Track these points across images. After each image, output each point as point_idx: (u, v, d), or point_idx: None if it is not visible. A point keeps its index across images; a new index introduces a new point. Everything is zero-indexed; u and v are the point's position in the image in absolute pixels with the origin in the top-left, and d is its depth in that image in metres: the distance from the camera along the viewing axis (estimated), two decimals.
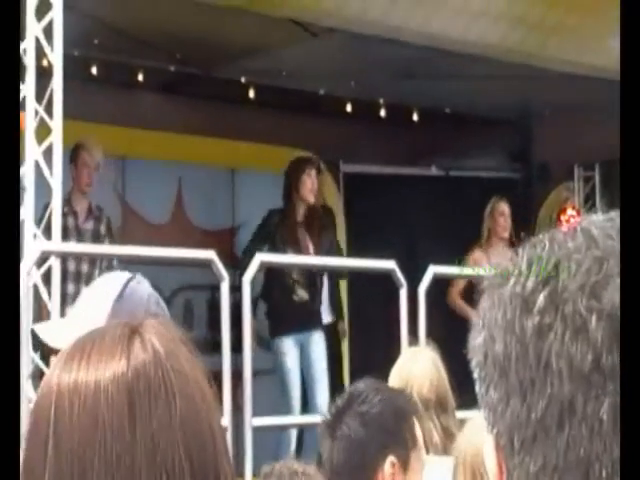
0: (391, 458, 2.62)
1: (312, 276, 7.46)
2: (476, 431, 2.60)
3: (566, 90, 8.63)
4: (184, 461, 1.11)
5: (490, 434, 0.89)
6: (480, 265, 8.07)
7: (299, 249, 7.36)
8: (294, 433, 7.08)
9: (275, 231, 7.44)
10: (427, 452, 3.34)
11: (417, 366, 3.56)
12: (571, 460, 0.83)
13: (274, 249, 7.28)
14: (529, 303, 0.86)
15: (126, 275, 2.48)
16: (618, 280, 0.84)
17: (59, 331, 2.32)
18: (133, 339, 1.17)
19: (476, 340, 0.90)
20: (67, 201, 6.95)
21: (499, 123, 10.27)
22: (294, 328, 7.26)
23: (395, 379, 3.47)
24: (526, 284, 0.87)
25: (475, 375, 0.91)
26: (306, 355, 7.30)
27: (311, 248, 7.44)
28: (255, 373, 5.58)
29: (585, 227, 0.89)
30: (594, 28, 7.53)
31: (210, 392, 1.19)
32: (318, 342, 7.33)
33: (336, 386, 6.92)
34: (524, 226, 8.84)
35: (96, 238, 7.17)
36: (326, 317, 7.89)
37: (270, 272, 7.29)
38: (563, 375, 0.83)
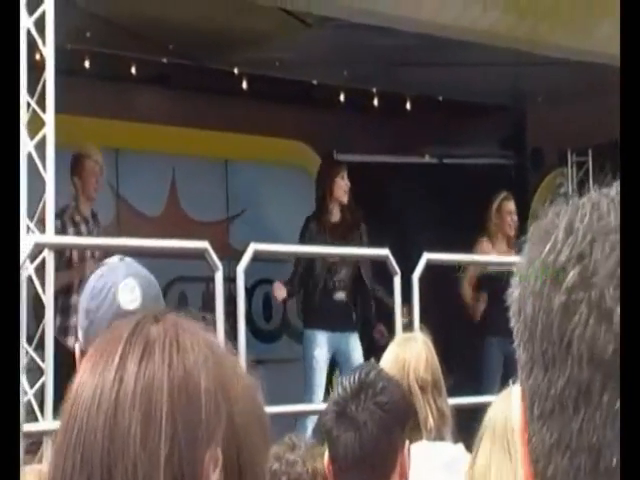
0: (407, 442, 2.65)
1: (353, 278, 7.67)
2: (508, 401, 2.61)
3: (558, 75, 8.63)
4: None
5: (520, 387, 0.89)
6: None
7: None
8: (310, 421, 7.12)
9: (315, 236, 7.63)
10: (422, 437, 3.36)
11: (412, 349, 3.56)
12: (583, 443, 0.83)
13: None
14: (559, 277, 0.84)
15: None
16: None
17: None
18: (146, 350, 1.19)
19: (514, 292, 0.89)
20: (76, 209, 7.03)
21: (492, 110, 10.27)
22: (330, 326, 7.48)
23: (389, 363, 3.47)
24: (559, 257, 0.85)
25: (512, 323, 0.90)
26: (344, 354, 7.49)
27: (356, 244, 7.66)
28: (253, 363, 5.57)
29: None
30: (586, 13, 7.53)
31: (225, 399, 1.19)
32: (353, 343, 7.53)
33: None
34: (518, 213, 8.86)
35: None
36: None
37: (310, 269, 7.57)
38: (583, 359, 0.82)
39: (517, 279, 0.89)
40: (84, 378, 1.18)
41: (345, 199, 7.77)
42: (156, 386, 1.16)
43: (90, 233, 7.13)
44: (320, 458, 2.88)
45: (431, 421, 3.45)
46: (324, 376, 7.42)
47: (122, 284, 2.44)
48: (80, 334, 2.46)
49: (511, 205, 8.29)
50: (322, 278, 7.58)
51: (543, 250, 0.86)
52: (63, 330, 6.48)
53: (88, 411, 1.15)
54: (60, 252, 6.52)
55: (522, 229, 0.92)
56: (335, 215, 7.79)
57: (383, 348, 3.75)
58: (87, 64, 8.47)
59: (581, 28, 7.67)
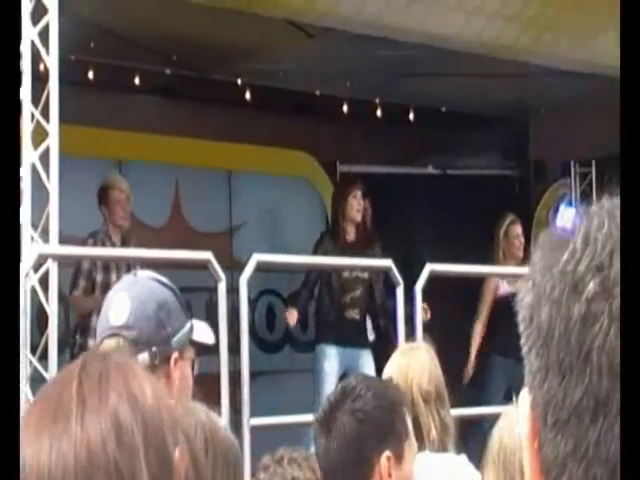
0: (387, 453, 2.63)
1: (365, 296, 7.72)
2: (509, 427, 2.59)
3: (562, 87, 8.64)
4: None
5: (529, 394, 0.88)
6: (499, 290, 8.09)
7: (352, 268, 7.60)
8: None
9: (331, 254, 7.68)
10: (424, 448, 3.35)
11: (416, 360, 3.55)
12: (600, 454, 0.82)
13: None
14: (579, 286, 0.83)
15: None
16: None
17: None
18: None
19: (525, 298, 0.88)
20: (106, 235, 7.26)
21: (495, 121, 10.27)
22: (341, 342, 7.55)
23: (392, 373, 3.46)
24: (578, 266, 0.84)
25: (520, 329, 0.89)
26: (356, 370, 7.46)
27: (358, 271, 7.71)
28: (257, 374, 5.58)
29: None
30: (589, 25, 7.54)
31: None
32: (366, 359, 7.58)
33: None
34: (522, 224, 8.86)
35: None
36: (370, 335, 8.03)
37: (324, 285, 7.65)
38: (603, 370, 0.81)
39: (530, 285, 0.88)
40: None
41: (359, 218, 7.83)
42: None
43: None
44: (307, 469, 2.89)
45: (434, 432, 3.44)
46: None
47: (115, 298, 2.45)
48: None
49: (518, 229, 8.32)
50: (336, 295, 7.62)
51: (560, 258, 0.85)
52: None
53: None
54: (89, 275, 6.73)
55: (526, 241, 0.92)
56: (350, 234, 7.85)
57: None
58: (91, 75, 8.48)
59: (584, 40, 7.68)
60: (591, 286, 0.82)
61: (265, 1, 6.87)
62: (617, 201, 0.88)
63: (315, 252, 7.79)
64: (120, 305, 2.42)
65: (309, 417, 6.71)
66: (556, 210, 10.04)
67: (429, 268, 5.96)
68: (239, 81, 9.10)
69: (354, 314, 7.68)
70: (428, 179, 10.16)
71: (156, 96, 9.15)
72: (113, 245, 7.29)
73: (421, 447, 3.30)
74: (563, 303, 0.84)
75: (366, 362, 7.55)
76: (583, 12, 7.44)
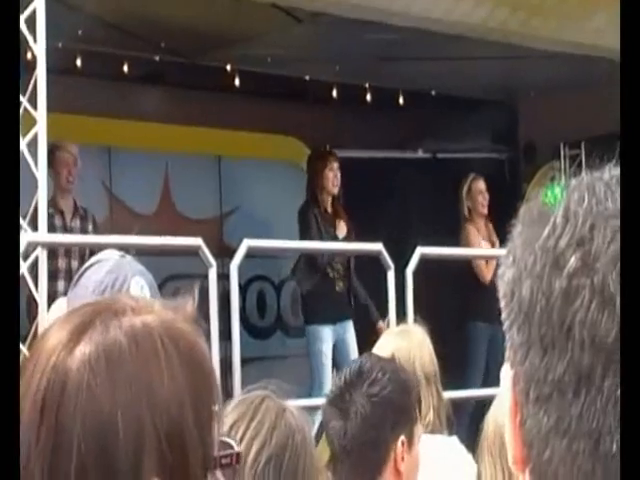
0: (402, 437, 2.63)
1: (347, 267, 7.73)
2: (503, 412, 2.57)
3: (551, 69, 8.64)
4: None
5: (511, 370, 0.88)
6: (475, 238, 8.15)
7: (335, 237, 7.63)
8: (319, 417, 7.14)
9: (313, 221, 7.71)
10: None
11: (415, 341, 3.52)
12: (583, 428, 0.82)
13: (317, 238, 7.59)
14: (560, 262, 0.83)
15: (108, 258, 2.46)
16: None
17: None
18: (82, 335, 1.14)
19: (505, 273, 0.88)
20: (51, 201, 7.01)
21: (485, 104, 10.26)
22: (333, 317, 7.55)
23: (390, 353, 3.42)
24: (559, 240, 0.84)
25: (501, 305, 0.89)
26: (342, 344, 7.55)
27: (344, 234, 7.72)
28: (248, 360, 5.58)
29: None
30: (578, 6, 7.53)
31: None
32: (351, 331, 7.60)
33: None
34: (512, 206, 8.86)
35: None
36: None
37: (311, 263, 7.60)
38: (585, 344, 0.81)
39: (510, 260, 0.88)
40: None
41: (335, 190, 7.83)
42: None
43: (65, 227, 7.13)
44: None
45: (431, 414, 3.43)
46: (330, 371, 7.45)
47: (133, 281, 2.39)
48: None
49: (481, 184, 8.40)
50: (324, 269, 7.61)
51: (541, 233, 0.86)
52: None
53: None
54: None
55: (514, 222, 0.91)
56: (328, 205, 7.84)
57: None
58: (79, 62, 8.46)
59: (573, 21, 7.66)
60: (572, 261, 0.83)
61: None
62: (598, 174, 0.89)
63: (301, 222, 7.76)
64: (140, 290, 2.39)
65: (300, 402, 6.73)
66: (546, 193, 10.04)
67: (420, 251, 5.96)
68: (228, 67, 9.08)
69: (340, 287, 7.68)
70: (418, 163, 10.15)
71: (145, 83, 9.12)
72: (61, 215, 7.13)
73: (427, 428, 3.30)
74: (544, 278, 0.84)
75: (351, 334, 7.57)
76: None
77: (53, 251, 6.70)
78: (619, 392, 0.81)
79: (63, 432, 1.10)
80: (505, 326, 0.88)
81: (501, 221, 8.13)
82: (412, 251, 6.02)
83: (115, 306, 1.18)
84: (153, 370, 1.13)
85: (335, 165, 7.88)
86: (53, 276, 6.74)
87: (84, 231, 7.25)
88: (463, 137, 10.18)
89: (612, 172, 0.88)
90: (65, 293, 6.51)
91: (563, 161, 9.83)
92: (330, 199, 7.87)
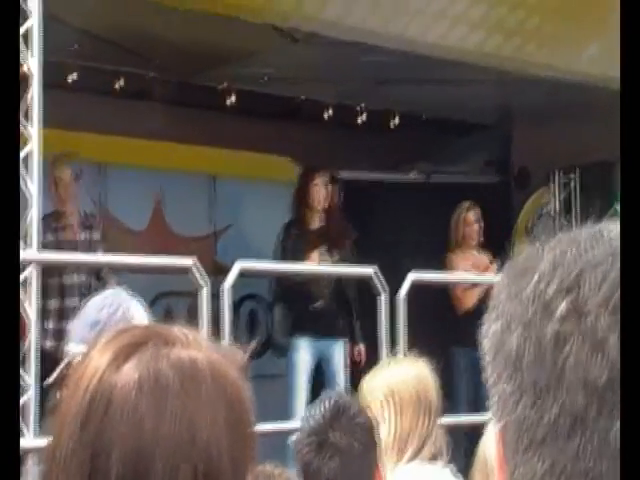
0: (379, 468, 2.64)
1: (334, 285, 7.66)
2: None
3: (544, 95, 8.66)
4: None
5: (497, 423, 0.89)
6: (459, 267, 8.14)
7: (316, 257, 7.54)
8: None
9: (293, 242, 7.66)
10: (419, 457, 3.32)
11: (421, 371, 3.49)
12: (578, 471, 0.83)
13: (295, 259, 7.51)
14: (550, 307, 0.85)
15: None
16: None
17: None
18: (131, 356, 1.15)
19: (491, 328, 0.89)
20: (55, 217, 7.05)
21: (479, 128, 10.29)
22: (315, 333, 7.50)
23: (399, 383, 3.39)
24: (548, 287, 0.86)
25: (486, 360, 0.90)
26: (327, 363, 7.51)
27: (327, 255, 7.63)
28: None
29: (610, 237, 0.87)
30: (572, 34, 7.56)
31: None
32: (340, 350, 7.54)
33: None
34: (504, 231, 8.88)
35: (90, 248, 7.21)
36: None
37: (286, 281, 7.60)
38: (577, 387, 0.82)
39: (494, 315, 0.90)
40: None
41: (319, 206, 7.75)
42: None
43: (73, 241, 7.15)
44: None
45: (431, 442, 3.41)
46: (305, 389, 7.40)
47: (133, 303, 2.49)
48: (80, 347, 2.46)
49: (474, 215, 8.37)
50: (306, 286, 7.58)
51: (528, 283, 0.87)
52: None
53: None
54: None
55: (507, 247, 0.93)
56: (314, 222, 7.76)
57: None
58: (74, 78, 8.45)
59: (567, 48, 7.70)
60: (562, 306, 0.85)
61: (250, 6, 6.86)
62: (578, 230, 0.91)
63: (282, 242, 7.71)
64: (140, 311, 2.48)
65: (291, 424, 6.72)
66: (538, 217, 10.06)
67: (412, 277, 5.95)
68: (224, 85, 9.08)
69: (322, 304, 7.61)
70: (412, 186, 10.16)
71: (139, 100, 9.12)
72: (65, 230, 7.17)
73: (417, 456, 3.29)
74: (535, 324, 0.85)
75: (338, 353, 7.51)
76: (566, 21, 7.46)
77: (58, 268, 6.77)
78: (613, 432, 0.81)
79: (102, 450, 1.10)
80: (490, 381, 0.89)
81: (493, 246, 8.16)
82: (404, 276, 6.01)
83: (165, 334, 1.19)
84: (197, 408, 1.13)
85: (321, 181, 7.79)
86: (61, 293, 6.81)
87: (89, 242, 7.25)
88: (457, 161, 10.20)
89: (595, 227, 0.90)
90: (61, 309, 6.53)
91: (556, 187, 9.85)
92: (319, 217, 7.79)
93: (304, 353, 7.48)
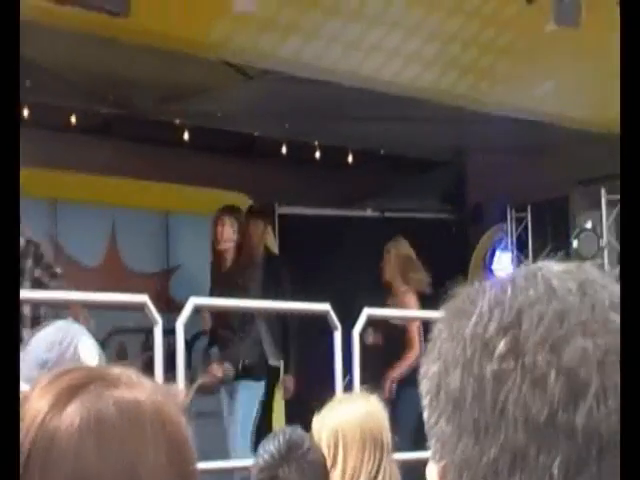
0: None
1: (240, 321, 7.62)
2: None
3: (499, 132, 8.73)
4: None
5: (436, 464, 0.88)
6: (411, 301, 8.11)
7: (231, 293, 7.40)
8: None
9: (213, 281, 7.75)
10: None
11: (379, 409, 3.48)
12: None
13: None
14: (489, 347, 0.86)
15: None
16: (579, 338, 0.84)
17: None
18: (72, 398, 1.14)
19: (430, 369, 0.90)
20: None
21: (433, 165, 10.36)
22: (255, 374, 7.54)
23: (357, 420, 3.36)
24: (488, 327, 0.87)
25: (425, 402, 0.90)
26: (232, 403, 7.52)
27: (241, 292, 7.51)
28: (194, 416, 5.50)
29: (546, 276, 0.89)
30: (525, 72, 7.63)
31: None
32: (241, 391, 7.52)
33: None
34: (459, 266, 8.90)
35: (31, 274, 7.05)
36: (272, 360, 7.98)
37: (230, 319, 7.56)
38: (518, 424, 0.83)
39: (434, 355, 0.90)
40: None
41: (224, 246, 7.73)
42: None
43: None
44: None
45: (388, 478, 3.39)
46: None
47: (82, 340, 2.45)
48: (26, 387, 2.41)
49: (404, 248, 8.37)
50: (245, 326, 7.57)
51: (467, 323, 0.88)
52: None
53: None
54: None
55: (460, 282, 0.94)
56: (227, 261, 7.78)
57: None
58: (26, 113, 8.40)
59: (520, 86, 7.77)
60: (501, 345, 0.86)
61: (204, 42, 6.86)
62: (514, 272, 0.92)
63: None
64: (91, 348, 2.45)
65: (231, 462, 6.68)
66: (492, 254, 10.12)
67: (367, 313, 5.94)
68: (177, 121, 9.07)
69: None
70: (367, 221, 10.18)
71: (93, 135, 9.09)
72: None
73: None
74: (474, 364, 0.86)
75: (240, 395, 7.52)
76: (519, 60, 7.53)
77: None
78: (553, 468, 0.82)
79: None
80: (429, 423, 0.89)
81: (447, 280, 8.17)
82: (359, 311, 6.00)
83: (108, 376, 1.18)
84: (139, 447, 1.13)
85: (226, 219, 7.76)
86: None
87: (31, 270, 7.09)
88: (412, 197, 10.24)
89: (531, 267, 0.92)
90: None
91: (510, 223, 9.92)
92: (229, 257, 7.75)
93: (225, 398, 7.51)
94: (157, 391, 1.21)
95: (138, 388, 1.19)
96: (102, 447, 1.11)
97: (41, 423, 1.11)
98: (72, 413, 1.12)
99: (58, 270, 7.14)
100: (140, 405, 1.16)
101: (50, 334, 2.51)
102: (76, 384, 1.15)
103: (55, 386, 1.15)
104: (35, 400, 1.14)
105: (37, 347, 2.48)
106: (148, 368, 6.43)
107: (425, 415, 0.90)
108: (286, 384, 8.01)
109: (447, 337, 0.89)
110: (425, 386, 0.90)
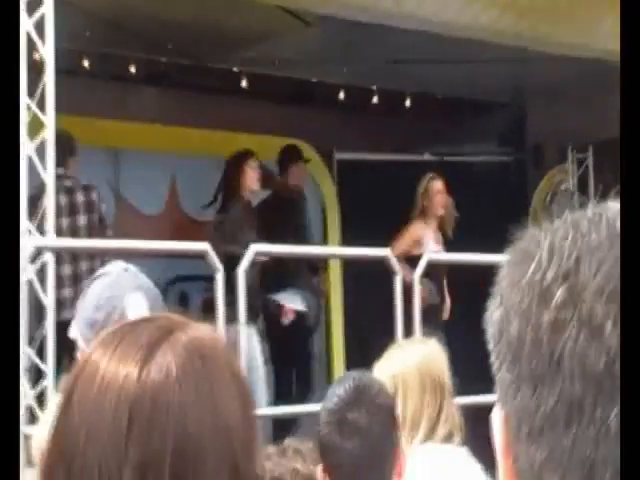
0: (400, 448, 2.65)
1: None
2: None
3: (559, 72, 8.62)
4: None
5: (501, 410, 0.89)
6: (420, 231, 7.97)
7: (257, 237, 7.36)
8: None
9: (232, 224, 7.54)
10: (433, 439, 3.32)
11: (438, 350, 3.49)
12: (576, 459, 0.82)
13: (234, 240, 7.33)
14: (547, 295, 0.85)
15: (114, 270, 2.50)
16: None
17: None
18: (155, 351, 1.15)
19: (493, 315, 0.89)
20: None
21: (492, 107, 10.26)
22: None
23: (415, 362, 3.38)
24: (545, 275, 0.85)
25: (490, 346, 0.90)
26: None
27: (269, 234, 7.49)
28: None
29: (611, 218, 0.87)
30: (586, 10, 7.52)
31: (232, 418, 1.16)
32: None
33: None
34: (519, 209, 8.85)
35: (89, 211, 6.99)
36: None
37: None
38: (574, 375, 0.82)
39: (498, 301, 0.89)
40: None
41: (256, 187, 7.73)
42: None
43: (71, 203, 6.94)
44: (312, 462, 2.85)
45: (447, 422, 3.40)
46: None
47: (130, 297, 2.43)
48: (82, 344, 2.44)
49: (438, 185, 8.18)
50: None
51: (527, 270, 0.87)
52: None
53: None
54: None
55: (522, 225, 0.93)
56: (252, 203, 7.77)
57: None
58: (86, 64, 8.46)
59: (581, 25, 7.65)
60: (559, 293, 0.84)
61: None
62: (581, 213, 0.90)
63: (221, 223, 7.59)
64: (139, 305, 2.42)
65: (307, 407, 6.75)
66: (553, 195, 10.03)
67: (427, 257, 5.95)
68: (235, 69, 9.08)
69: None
70: (425, 166, 10.14)
71: (152, 84, 9.12)
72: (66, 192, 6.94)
73: (429, 438, 3.29)
74: (532, 313, 0.85)
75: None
76: None
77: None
78: (610, 420, 0.81)
79: (154, 448, 1.11)
80: (495, 367, 0.89)
81: (508, 224, 8.12)
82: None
83: (179, 325, 1.20)
84: (221, 391, 1.16)
85: (254, 163, 7.72)
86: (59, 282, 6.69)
87: (89, 205, 7.02)
88: (470, 140, 10.16)
89: (595, 209, 0.89)
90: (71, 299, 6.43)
91: (571, 165, 9.82)
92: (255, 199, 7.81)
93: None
94: (220, 337, 1.23)
95: (208, 333, 1.20)
96: (199, 394, 1.14)
97: (137, 379, 1.13)
98: (162, 366, 1.14)
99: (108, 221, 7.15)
100: (216, 350, 1.18)
101: (100, 289, 2.48)
102: (152, 340, 1.17)
103: (131, 342, 1.17)
104: (113, 365, 1.15)
105: (88, 304, 2.47)
106: (209, 315, 6.51)
107: (491, 359, 0.90)
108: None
109: (508, 284, 0.89)
110: (489, 330, 0.90)
